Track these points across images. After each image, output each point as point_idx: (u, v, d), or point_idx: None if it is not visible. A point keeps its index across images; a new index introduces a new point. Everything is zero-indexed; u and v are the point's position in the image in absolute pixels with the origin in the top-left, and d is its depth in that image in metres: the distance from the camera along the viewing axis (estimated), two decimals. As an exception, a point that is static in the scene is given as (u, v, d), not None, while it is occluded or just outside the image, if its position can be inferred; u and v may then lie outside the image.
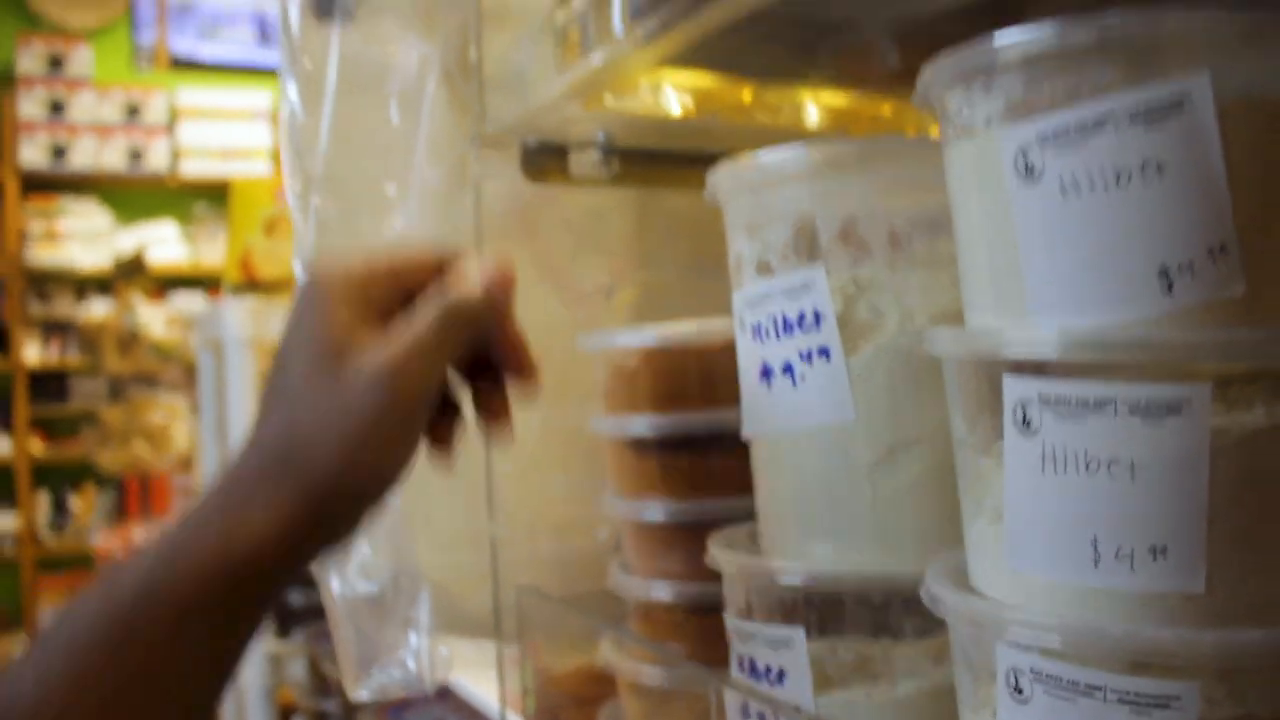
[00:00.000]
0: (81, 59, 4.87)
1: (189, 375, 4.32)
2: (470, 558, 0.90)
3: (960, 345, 0.49)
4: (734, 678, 0.65)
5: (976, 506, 0.50)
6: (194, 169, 4.93)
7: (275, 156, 4.89)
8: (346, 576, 0.85)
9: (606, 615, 0.84)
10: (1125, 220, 0.43)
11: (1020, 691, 0.47)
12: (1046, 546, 0.46)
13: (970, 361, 0.49)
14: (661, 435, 0.77)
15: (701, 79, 0.78)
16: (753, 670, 0.64)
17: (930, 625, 0.58)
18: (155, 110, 4.93)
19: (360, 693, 0.86)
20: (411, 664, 0.85)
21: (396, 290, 0.54)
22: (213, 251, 4.79)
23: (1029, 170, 0.45)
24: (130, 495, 4.49)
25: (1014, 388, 0.46)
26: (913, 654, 0.61)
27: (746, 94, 0.79)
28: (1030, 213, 0.45)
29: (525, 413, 0.88)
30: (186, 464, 4.14)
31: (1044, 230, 0.45)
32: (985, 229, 0.48)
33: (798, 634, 0.61)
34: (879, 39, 0.79)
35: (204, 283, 4.70)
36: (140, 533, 4.10)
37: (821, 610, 0.61)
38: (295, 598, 2.24)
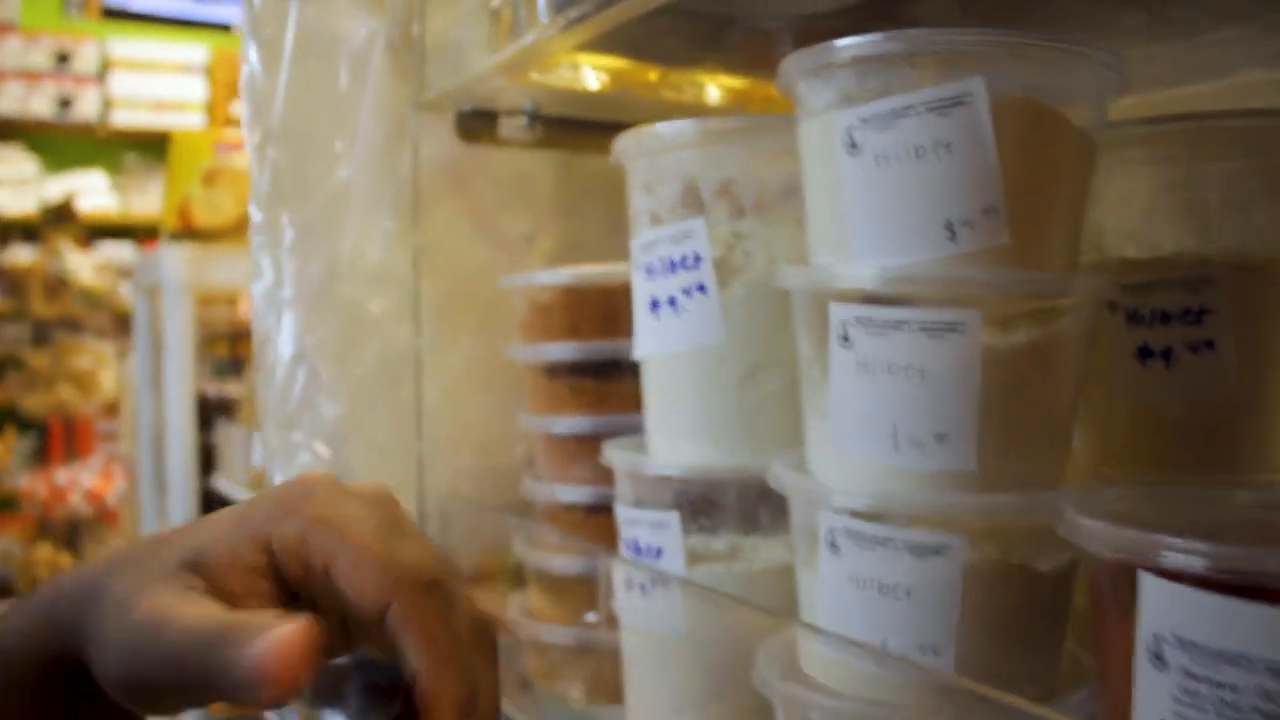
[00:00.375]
0: (8, 4, 4.85)
1: (117, 322, 4.36)
2: (399, 468, 1.02)
3: (802, 280, 0.62)
4: (621, 555, 0.79)
5: (812, 407, 0.64)
6: (125, 119, 4.94)
7: (210, 110, 4.93)
8: (291, 477, 0.97)
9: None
10: (922, 185, 0.56)
11: (835, 547, 0.60)
12: (859, 434, 0.59)
13: (808, 292, 0.62)
14: (570, 360, 0.90)
15: (615, 61, 0.90)
16: (636, 549, 0.77)
17: (783, 518, 0.71)
18: (85, 59, 4.93)
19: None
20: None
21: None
22: (143, 202, 4.82)
23: (853, 145, 0.58)
24: (53, 439, 4.53)
25: (837, 312, 0.59)
26: (768, 541, 0.75)
27: (654, 75, 0.91)
28: (853, 178, 0.58)
29: (453, 344, 1.01)
30: (112, 409, 4.19)
31: (863, 192, 0.58)
32: (822, 190, 0.61)
33: (674, 517, 0.74)
34: (770, 32, 0.91)
35: (133, 232, 4.73)
36: (63, 475, 4.15)
37: (694, 500, 0.74)
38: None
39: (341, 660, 1.44)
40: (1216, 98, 0.88)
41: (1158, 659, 0.46)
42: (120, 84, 4.96)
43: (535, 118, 1.01)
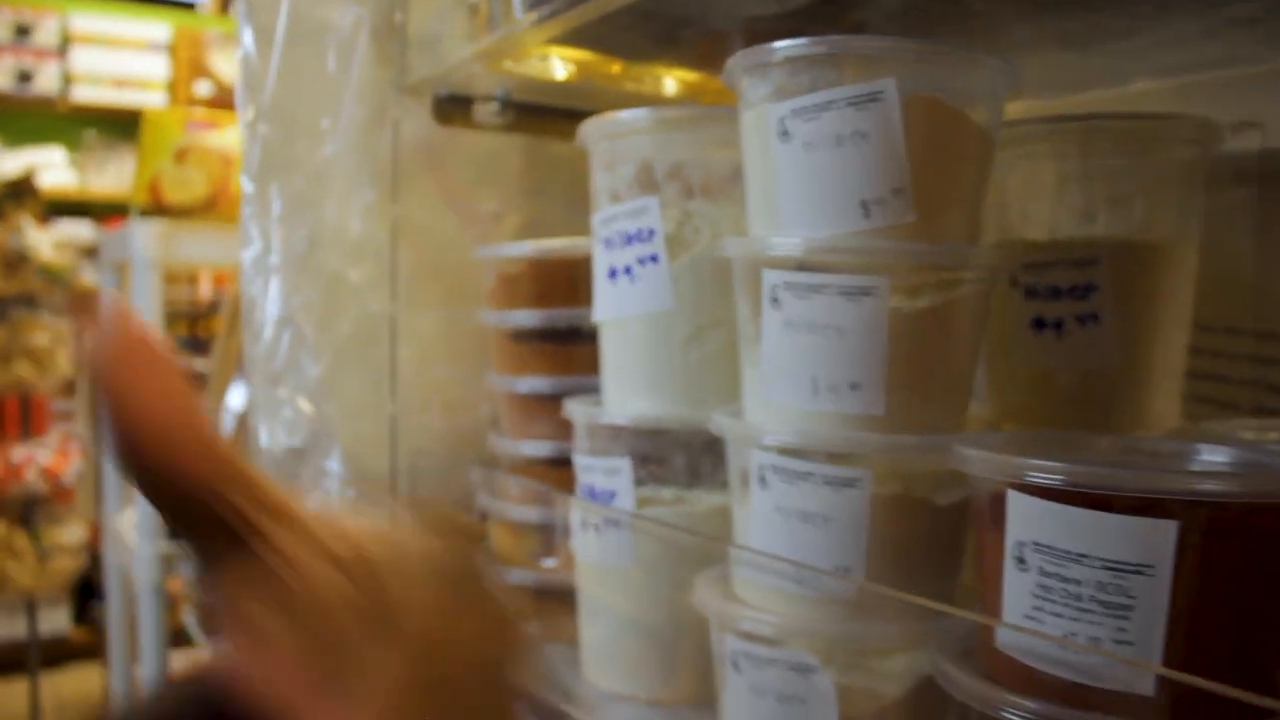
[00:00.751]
0: (-34, -25, 4.88)
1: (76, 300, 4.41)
2: (374, 425, 1.12)
3: (740, 249, 0.73)
4: (577, 499, 0.89)
5: (747, 361, 0.74)
6: (86, 95, 4.97)
7: (172, 88, 4.97)
8: (274, 432, 1.07)
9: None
10: (842, 169, 0.67)
11: (764, 481, 0.71)
12: (785, 383, 0.70)
13: (746, 260, 0.73)
14: (535, 326, 1.00)
15: (581, 54, 1.00)
16: (592, 493, 0.87)
17: (723, 468, 0.81)
18: (46, 32, 4.94)
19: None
20: (326, 499, 1.07)
21: None
22: (102, 180, 4.85)
23: (785, 133, 0.68)
24: (9, 416, 4.57)
25: (769, 278, 0.70)
26: (710, 488, 0.85)
27: (616, 67, 1.02)
28: (784, 162, 0.69)
29: (424, 311, 1.11)
30: (69, 387, 4.25)
31: (792, 173, 0.68)
32: (759, 171, 0.72)
33: (625, 463, 0.85)
34: (722, 32, 1.01)
35: (92, 210, 4.76)
36: (18, 453, 4.20)
37: (644, 449, 0.85)
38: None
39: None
40: (1114, 102, 0.99)
41: (1021, 562, 0.57)
42: (81, 59, 4.99)
43: (507, 104, 1.11)
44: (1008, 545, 0.57)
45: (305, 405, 1.07)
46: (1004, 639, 0.58)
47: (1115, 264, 0.77)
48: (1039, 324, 0.79)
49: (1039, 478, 0.55)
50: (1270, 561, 0.53)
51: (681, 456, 0.85)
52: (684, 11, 0.97)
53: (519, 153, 1.19)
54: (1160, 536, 0.52)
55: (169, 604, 2.39)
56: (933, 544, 0.70)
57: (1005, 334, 0.81)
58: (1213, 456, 0.63)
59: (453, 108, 1.11)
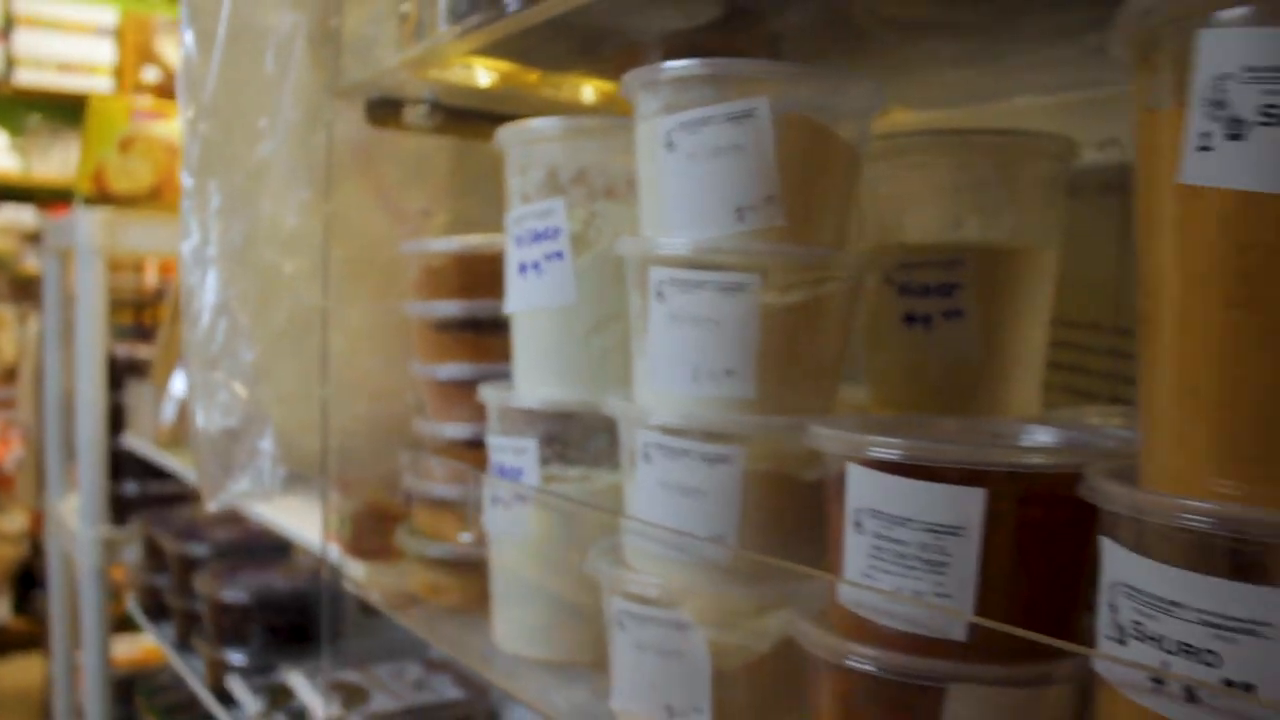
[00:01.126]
0: (-91, -45, 4.87)
1: (17, 286, 4.45)
2: (305, 411, 1.20)
3: (632, 248, 0.82)
4: (488, 475, 0.98)
5: (637, 350, 0.83)
6: (30, 79, 4.98)
7: (118, 74, 4.99)
8: (210, 414, 1.15)
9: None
10: (721, 178, 0.76)
11: (649, 458, 0.80)
12: (669, 370, 0.79)
13: (637, 259, 0.81)
14: (456, 316, 1.09)
15: (502, 65, 1.09)
16: (502, 471, 0.96)
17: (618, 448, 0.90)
18: (-12, 14, 4.96)
19: (214, 504, 1.16)
20: (259, 476, 1.15)
21: None
22: (46, 165, 4.87)
23: (671, 144, 0.77)
24: (-52, 402, 4.59)
25: (655, 274, 0.79)
26: (611, 465, 0.94)
27: (534, 76, 1.10)
28: (670, 170, 0.78)
29: (354, 303, 1.19)
30: (10, 374, 4.29)
31: (676, 180, 0.77)
32: (649, 178, 0.80)
33: (532, 443, 0.93)
34: (638, 43, 1.10)
35: (35, 195, 4.78)
36: (-42, 439, 4.23)
37: (549, 430, 0.94)
38: (130, 487, 2.49)
39: (242, 599, 1.63)
40: (999, 116, 1.09)
41: (858, 526, 0.66)
42: (25, 42, 4.98)
43: (436, 107, 1.20)
44: (848, 512, 0.66)
45: (240, 389, 1.15)
46: (845, 595, 0.67)
47: (979, 266, 0.87)
48: (910, 319, 0.88)
49: (873, 453, 0.65)
50: (1068, 525, 0.63)
51: (585, 438, 0.94)
52: (600, 25, 1.05)
53: (448, 154, 1.28)
54: (971, 503, 0.61)
55: (112, 590, 2.46)
56: (799, 516, 0.79)
57: (881, 328, 0.90)
58: (1040, 436, 0.73)
59: (384, 110, 1.20)
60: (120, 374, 2.46)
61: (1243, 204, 0.47)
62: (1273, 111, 0.45)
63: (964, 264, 0.87)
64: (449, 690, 1.39)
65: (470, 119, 1.23)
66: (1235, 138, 0.47)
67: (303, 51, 1.17)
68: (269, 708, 1.53)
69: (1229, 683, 0.47)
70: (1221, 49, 0.47)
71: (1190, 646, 0.45)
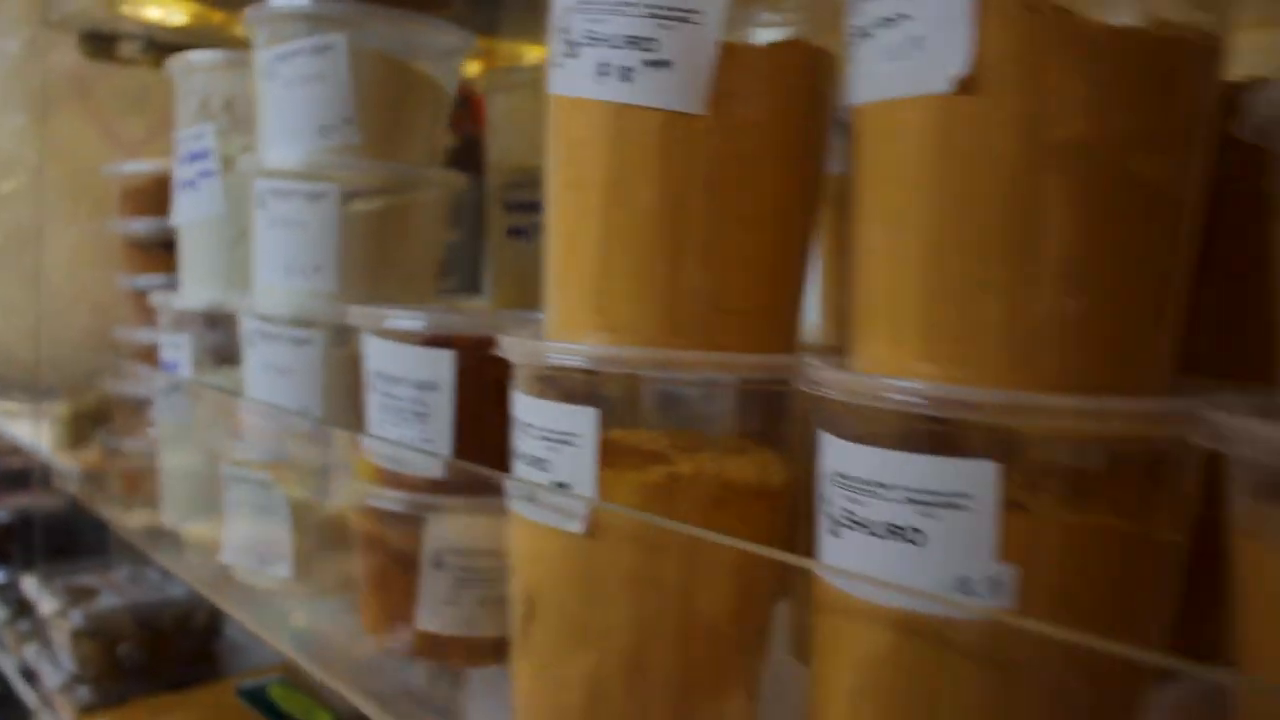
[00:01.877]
0: None
1: None
2: (21, 323, 1.35)
3: (247, 164, 0.98)
4: (156, 371, 1.14)
5: (252, 251, 1.00)
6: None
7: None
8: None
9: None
10: (307, 103, 0.92)
11: (253, 343, 0.96)
12: (269, 268, 0.95)
13: (251, 173, 0.97)
14: (150, 232, 1.24)
15: (190, 5, 1.25)
16: (165, 366, 1.12)
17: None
18: None
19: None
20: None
21: None
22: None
23: (271, 74, 0.94)
24: None
25: (259, 185, 0.95)
26: (267, 365, 1.10)
27: (218, 17, 1.26)
28: (271, 96, 0.94)
29: (72, 223, 1.34)
30: None
31: (275, 104, 0.94)
32: (260, 103, 0.97)
33: (186, 339, 1.10)
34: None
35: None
36: None
37: (202, 327, 1.10)
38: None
39: (3, 519, 1.76)
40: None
41: (374, 389, 0.83)
42: None
43: (150, 43, 1.35)
44: (370, 380, 0.84)
45: (-42, 300, 1.30)
46: (368, 445, 0.84)
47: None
48: (513, 232, 1.06)
49: (385, 325, 0.82)
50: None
51: (226, 333, 1.10)
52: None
53: (164, 85, 1.43)
54: (443, 363, 0.79)
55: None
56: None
57: (494, 241, 1.08)
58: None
59: (99, 44, 1.34)
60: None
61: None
62: None
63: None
64: (177, 589, 1.54)
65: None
66: None
67: (19, -17, 1.32)
68: (13, 616, 1.67)
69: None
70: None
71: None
